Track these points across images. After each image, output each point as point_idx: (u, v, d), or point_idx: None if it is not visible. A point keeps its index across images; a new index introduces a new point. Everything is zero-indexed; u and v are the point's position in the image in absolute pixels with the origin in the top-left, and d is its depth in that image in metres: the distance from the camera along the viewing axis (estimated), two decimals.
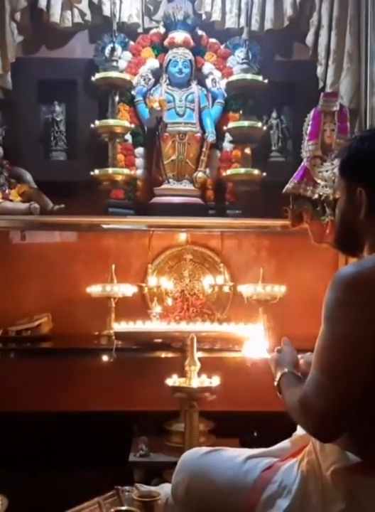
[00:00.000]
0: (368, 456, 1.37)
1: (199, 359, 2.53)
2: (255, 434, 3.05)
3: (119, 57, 3.18)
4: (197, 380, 2.49)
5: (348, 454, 1.41)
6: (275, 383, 1.59)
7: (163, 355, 2.93)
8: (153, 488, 2.39)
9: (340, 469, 1.41)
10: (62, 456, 2.88)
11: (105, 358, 2.86)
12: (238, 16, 3.26)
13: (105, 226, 3.14)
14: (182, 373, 2.54)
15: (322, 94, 3.07)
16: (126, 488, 2.41)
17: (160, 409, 2.88)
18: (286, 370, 1.57)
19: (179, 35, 3.19)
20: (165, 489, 2.19)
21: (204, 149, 3.20)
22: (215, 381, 2.50)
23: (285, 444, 1.68)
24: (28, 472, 2.78)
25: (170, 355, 2.90)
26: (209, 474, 1.57)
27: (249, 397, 3.00)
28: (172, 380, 2.53)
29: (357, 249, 1.50)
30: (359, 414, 1.32)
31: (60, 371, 3.01)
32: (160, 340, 2.90)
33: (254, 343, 2.05)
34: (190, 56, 3.21)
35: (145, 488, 2.40)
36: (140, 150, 3.27)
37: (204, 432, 2.79)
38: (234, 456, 1.61)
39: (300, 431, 1.63)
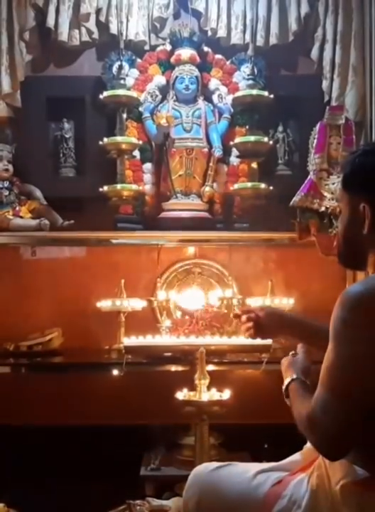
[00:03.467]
0: None
1: (209, 372, 2.54)
2: (266, 446, 3.06)
3: (127, 75, 3.22)
4: (207, 394, 2.50)
5: (357, 468, 1.42)
6: (284, 387, 1.59)
7: (173, 368, 2.94)
8: (164, 502, 2.41)
9: (349, 484, 1.41)
10: (74, 470, 2.89)
11: (115, 372, 2.89)
12: (244, 32, 3.29)
13: (114, 241, 3.16)
14: (192, 387, 2.55)
15: (327, 107, 3.11)
16: (138, 502, 2.42)
17: (171, 423, 2.89)
18: (295, 376, 1.57)
19: (185, 52, 3.23)
20: (176, 503, 2.21)
21: (211, 164, 3.23)
22: (225, 394, 2.51)
23: (295, 457, 1.68)
24: (39, 486, 2.79)
25: (180, 368, 2.91)
26: (220, 489, 1.58)
27: (259, 410, 3.01)
28: (183, 394, 2.54)
29: (361, 264, 1.49)
30: (367, 430, 1.33)
31: (71, 385, 3.04)
32: (169, 354, 2.92)
33: None
34: (196, 72, 3.25)
35: (156, 502, 2.42)
36: (148, 166, 3.30)
37: (214, 446, 2.80)
38: (244, 470, 1.61)
39: (310, 444, 1.64)
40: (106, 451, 2.97)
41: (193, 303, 2.44)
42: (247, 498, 1.54)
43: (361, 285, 1.36)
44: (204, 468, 1.69)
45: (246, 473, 1.60)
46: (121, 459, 2.86)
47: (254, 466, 1.64)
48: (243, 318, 1.82)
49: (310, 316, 3.04)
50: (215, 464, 1.69)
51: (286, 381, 1.58)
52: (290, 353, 1.69)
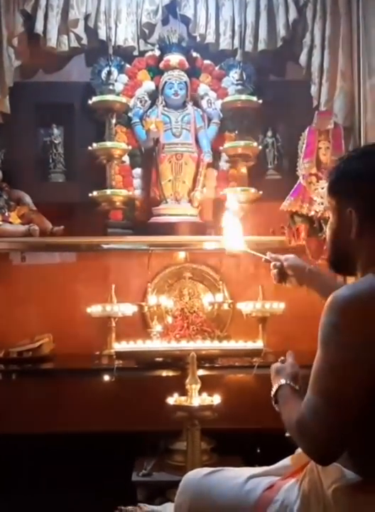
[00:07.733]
0: (368, 475, 1.39)
1: (200, 377, 2.54)
2: (258, 450, 3.05)
3: (115, 80, 3.24)
4: (198, 399, 2.50)
5: (348, 472, 1.42)
6: (272, 393, 1.60)
7: (164, 373, 2.94)
8: (156, 508, 2.41)
9: (341, 488, 1.41)
10: (65, 476, 2.88)
11: (106, 377, 2.88)
12: (232, 37, 3.31)
13: (104, 246, 3.17)
14: (183, 392, 2.55)
15: (316, 112, 3.13)
16: (129, 508, 2.42)
17: (162, 429, 2.88)
18: (284, 381, 1.57)
19: (174, 58, 3.24)
20: (168, 509, 2.20)
21: (200, 169, 3.25)
22: (216, 399, 2.51)
23: (286, 461, 1.68)
24: (30, 493, 2.78)
25: (171, 373, 2.91)
26: (211, 495, 1.58)
27: (251, 414, 3.01)
28: (173, 399, 2.54)
29: (350, 269, 1.49)
30: (358, 434, 1.33)
31: (61, 391, 3.01)
32: (160, 359, 2.92)
33: (232, 234, 2.02)
34: (185, 78, 3.27)
35: (148, 507, 2.41)
36: (137, 171, 3.31)
37: (206, 451, 2.79)
38: (236, 476, 1.61)
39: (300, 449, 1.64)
40: (97, 457, 2.95)
41: None
42: (239, 504, 1.53)
43: (349, 289, 1.36)
44: (195, 474, 1.68)
45: (237, 478, 1.59)
46: (113, 465, 2.85)
47: (246, 472, 1.64)
48: (272, 264, 1.90)
49: (300, 321, 3.10)
50: (207, 470, 1.68)
51: (275, 387, 1.58)
52: (279, 359, 1.70)
